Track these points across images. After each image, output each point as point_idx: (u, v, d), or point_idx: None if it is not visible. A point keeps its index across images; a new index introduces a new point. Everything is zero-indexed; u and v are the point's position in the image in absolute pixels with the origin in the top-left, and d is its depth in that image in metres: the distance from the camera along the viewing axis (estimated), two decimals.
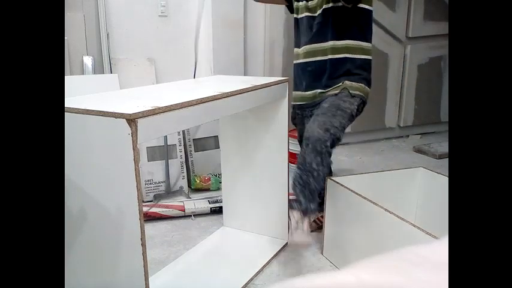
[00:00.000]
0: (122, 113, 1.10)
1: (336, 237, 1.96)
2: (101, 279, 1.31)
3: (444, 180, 2.01)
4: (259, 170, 2.12)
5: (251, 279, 1.84)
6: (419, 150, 3.82)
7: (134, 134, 1.10)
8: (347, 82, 2.02)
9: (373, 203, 1.67)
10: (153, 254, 2.04)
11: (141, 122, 1.12)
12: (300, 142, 2.20)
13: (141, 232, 1.16)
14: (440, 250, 0.33)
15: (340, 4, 1.95)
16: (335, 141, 1.90)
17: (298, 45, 2.18)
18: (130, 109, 1.14)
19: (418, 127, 4.34)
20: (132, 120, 1.09)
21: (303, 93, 2.17)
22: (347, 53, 2.02)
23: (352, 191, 1.80)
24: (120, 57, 3.04)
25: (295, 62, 2.21)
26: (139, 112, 1.12)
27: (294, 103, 2.25)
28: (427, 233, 1.43)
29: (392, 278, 0.29)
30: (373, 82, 2.19)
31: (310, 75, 2.12)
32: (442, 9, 4.03)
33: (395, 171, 2.17)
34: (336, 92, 2.02)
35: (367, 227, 1.71)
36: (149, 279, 1.22)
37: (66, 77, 2.26)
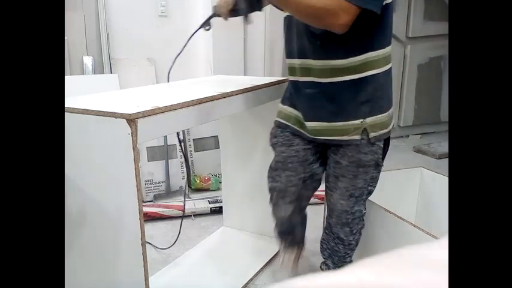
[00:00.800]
0: (122, 113, 1.10)
1: None
2: (101, 279, 1.30)
3: (444, 180, 2.01)
4: (259, 170, 2.12)
5: (251, 279, 1.84)
6: (419, 150, 3.82)
7: (134, 134, 1.10)
8: (368, 120, 1.38)
9: (373, 203, 1.67)
10: (153, 254, 2.04)
11: (141, 122, 1.12)
12: (271, 175, 1.62)
13: (141, 232, 1.16)
14: (440, 250, 0.33)
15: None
16: (364, 201, 1.55)
17: (291, 54, 1.46)
18: (130, 109, 1.14)
19: (418, 127, 4.34)
20: (132, 120, 1.09)
21: (301, 120, 1.50)
22: (368, 70, 1.34)
23: None
24: (120, 57, 3.04)
25: (290, 77, 1.52)
26: (139, 112, 1.12)
27: (282, 121, 1.58)
28: (427, 233, 1.43)
29: (392, 278, 0.29)
30: None
31: (312, 101, 1.44)
32: (442, 9, 4.03)
33: (395, 171, 2.17)
34: (355, 137, 1.40)
35: (367, 227, 1.71)
36: (149, 279, 1.22)
37: (66, 77, 2.26)
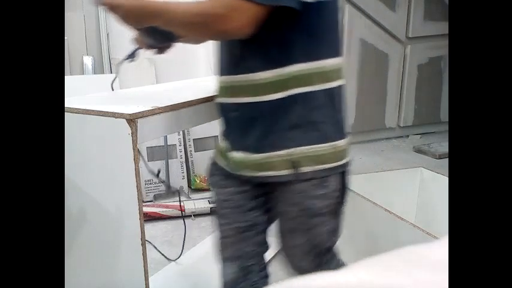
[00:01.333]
0: (122, 113, 1.10)
1: None
2: (101, 279, 1.30)
3: (444, 180, 2.01)
4: None
5: None
6: (419, 150, 3.82)
7: (134, 134, 1.10)
8: (298, 150, 1.05)
9: (373, 203, 1.67)
10: (153, 254, 2.04)
11: (141, 122, 1.12)
12: (215, 212, 1.31)
13: (141, 232, 1.16)
14: (440, 250, 0.33)
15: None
16: (331, 253, 1.28)
17: (217, 72, 1.19)
18: (130, 109, 1.14)
19: (418, 127, 4.34)
20: (132, 120, 1.09)
21: (226, 151, 1.18)
22: (297, 87, 1.03)
23: (352, 191, 1.79)
24: (120, 57, 3.03)
25: (216, 99, 1.21)
26: (139, 112, 1.12)
27: (214, 156, 1.31)
28: (427, 233, 1.43)
29: (392, 278, 0.29)
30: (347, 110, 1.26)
31: (235, 127, 1.14)
32: (442, 9, 4.03)
33: (395, 171, 2.17)
34: (282, 172, 1.07)
35: (367, 227, 1.71)
36: (149, 279, 1.22)
37: (66, 77, 2.26)
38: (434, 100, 4.32)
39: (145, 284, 1.20)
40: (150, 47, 1.25)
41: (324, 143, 1.06)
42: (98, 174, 1.20)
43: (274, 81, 1.03)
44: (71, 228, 1.24)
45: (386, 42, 3.93)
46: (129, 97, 1.46)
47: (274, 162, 1.07)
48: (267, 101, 1.04)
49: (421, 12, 4.00)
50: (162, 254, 2.05)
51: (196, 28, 1.00)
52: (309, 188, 1.09)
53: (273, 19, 0.95)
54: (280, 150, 1.06)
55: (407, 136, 4.30)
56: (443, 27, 4.05)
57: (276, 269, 1.94)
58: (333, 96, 1.08)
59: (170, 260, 1.99)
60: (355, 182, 1.91)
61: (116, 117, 1.10)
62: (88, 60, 2.86)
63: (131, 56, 1.39)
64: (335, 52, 1.08)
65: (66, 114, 1.12)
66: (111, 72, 2.94)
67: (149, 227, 2.30)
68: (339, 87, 1.10)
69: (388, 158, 3.63)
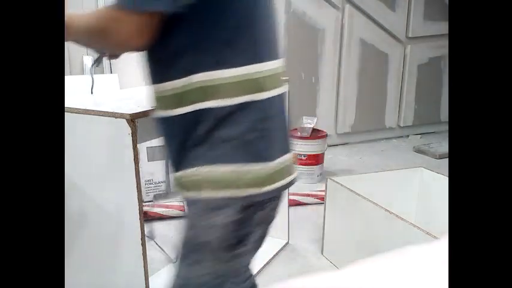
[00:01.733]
0: (122, 113, 1.10)
1: (336, 237, 1.96)
2: (101, 279, 1.30)
3: (444, 180, 2.01)
4: None
5: None
6: (419, 150, 3.82)
7: (134, 134, 1.10)
8: (189, 172, 0.92)
9: (373, 203, 1.67)
10: (153, 254, 2.04)
11: (141, 122, 1.12)
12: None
13: (141, 232, 1.16)
14: (440, 250, 0.33)
15: None
16: None
17: None
18: (130, 109, 1.14)
19: (418, 127, 4.34)
20: (132, 120, 1.09)
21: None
22: (202, 100, 0.88)
23: (352, 191, 1.80)
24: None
25: None
26: (139, 112, 1.12)
27: None
28: (427, 233, 1.43)
29: (392, 278, 0.29)
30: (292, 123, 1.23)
31: (162, 140, 1.01)
32: (442, 9, 4.03)
33: (395, 171, 2.17)
34: (187, 194, 0.95)
35: (367, 227, 1.71)
36: (149, 279, 1.22)
37: (66, 77, 2.26)
38: (434, 100, 4.32)
39: (146, 284, 1.20)
40: (103, 53, 1.21)
41: (234, 163, 0.88)
42: (98, 174, 1.20)
43: (174, 94, 0.90)
44: (71, 228, 1.24)
45: (386, 42, 3.93)
46: (129, 97, 1.46)
47: (183, 182, 0.94)
48: (176, 116, 0.91)
49: (421, 12, 4.00)
50: (165, 252, 2.05)
51: (95, 43, 0.96)
52: (196, 216, 0.94)
53: (165, 26, 0.85)
54: (186, 169, 0.92)
55: (407, 136, 4.30)
56: (443, 27, 4.05)
57: (276, 269, 1.94)
58: (250, 111, 0.88)
59: (171, 259, 1.99)
60: (355, 182, 1.91)
61: (116, 117, 1.10)
62: (88, 60, 2.86)
63: (96, 61, 1.42)
64: (253, 57, 0.88)
65: (66, 114, 1.12)
66: (111, 72, 2.94)
67: (149, 227, 2.30)
68: (263, 101, 0.89)
69: (388, 158, 3.63)
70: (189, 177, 0.92)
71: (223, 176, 0.89)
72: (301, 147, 3.02)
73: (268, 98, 0.90)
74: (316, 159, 3.06)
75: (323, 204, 2.02)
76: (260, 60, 0.89)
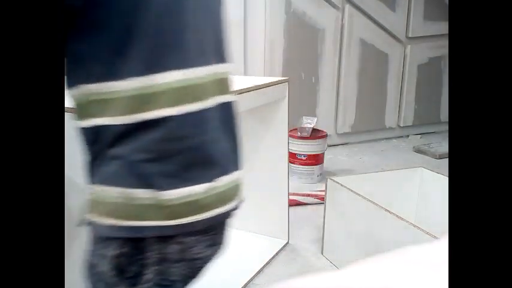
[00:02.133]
0: None
1: (336, 237, 1.96)
2: None
3: (444, 180, 2.01)
4: (259, 169, 2.12)
5: (251, 279, 1.84)
6: (419, 150, 3.82)
7: None
8: (100, 189, 0.76)
9: (373, 203, 1.67)
10: None
11: None
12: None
13: None
14: (440, 250, 0.33)
15: None
16: None
17: None
18: None
19: (418, 127, 4.34)
20: None
21: None
22: (91, 116, 0.75)
23: (352, 191, 1.80)
24: None
25: None
26: None
27: None
28: (427, 233, 1.43)
29: (392, 278, 0.29)
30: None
31: None
32: (442, 9, 4.03)
33: (395, 171, 2.17)
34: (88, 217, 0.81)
35: (367, 227, 1.71)
36: None
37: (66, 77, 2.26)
38: (434, 100, 4.32)
39: None
40: None
41: (129, 187, 0.73)
42: None
43: (78, 104, 0.77)
44: (71, 228, 1.24)
45: (386, 42, 3.93)
46: None
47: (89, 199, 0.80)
48: (82, 128, 0.78)
49: (421, 12, 4.00)
50: None
51: None
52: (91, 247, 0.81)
53: (70, 28, 0.72)
54: (89, 184, 0.80)
55: (407, 136, 4.30)
56: (443, 27, 4.05)
57: (276, 269, 1.94)
58: (151, 130, 0.72)
59: None
60: (355, 182, 1.91)
61: None
62: None
63: None
64: (150, 67, 0.71)
65: (66, 114, 1.12)
66: None
67: None
68: (165, 119, 0.72)
69: (388, 158, 3.63)
70: (90, 195, 0.78)
71: (111, 200, 0.75)
72: (301, 147, 3.02)
73: (177, 116, 0.72)
74: (316, 159, 3.06)
75: (323, 204, 2.02)
76: (162, 69, 0.71)
